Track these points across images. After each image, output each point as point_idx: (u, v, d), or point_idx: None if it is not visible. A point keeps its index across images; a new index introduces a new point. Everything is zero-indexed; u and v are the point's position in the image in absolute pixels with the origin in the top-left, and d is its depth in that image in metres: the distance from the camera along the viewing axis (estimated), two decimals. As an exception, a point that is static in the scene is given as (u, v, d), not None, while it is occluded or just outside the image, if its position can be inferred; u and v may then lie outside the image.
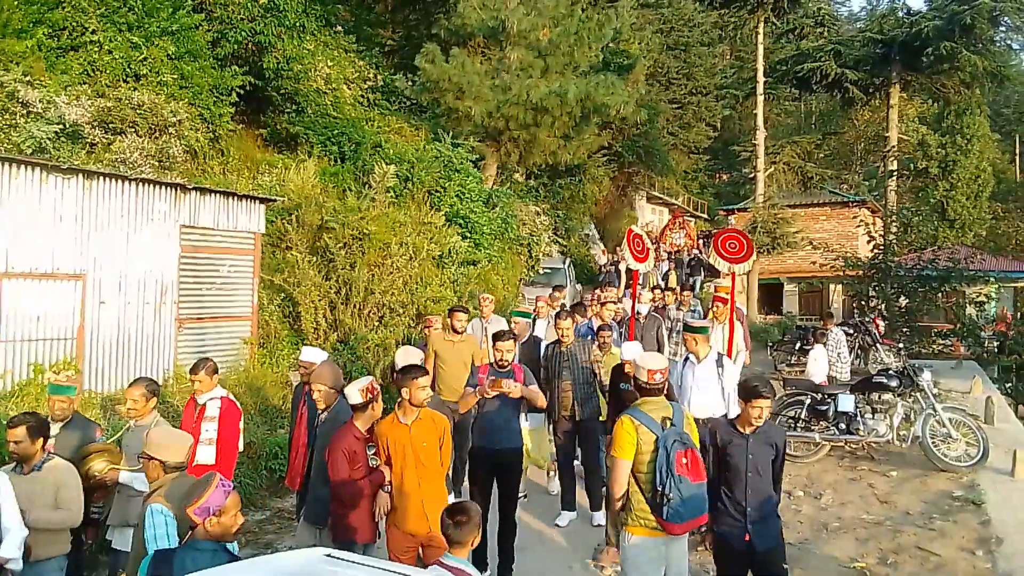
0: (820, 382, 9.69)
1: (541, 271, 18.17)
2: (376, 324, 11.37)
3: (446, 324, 7.67)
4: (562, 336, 6.95)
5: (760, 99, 27.12)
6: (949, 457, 8.37)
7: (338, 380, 4.99)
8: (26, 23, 11.37)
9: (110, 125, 11.19)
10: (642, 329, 9.32)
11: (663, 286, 15.37)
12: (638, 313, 9.51)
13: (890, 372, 9.27)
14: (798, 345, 14.62)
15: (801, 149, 33.42)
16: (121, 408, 7.74)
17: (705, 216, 36.83)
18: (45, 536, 4.12)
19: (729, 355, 7.82)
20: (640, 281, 12.23)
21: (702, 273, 19.60)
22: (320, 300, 11.16)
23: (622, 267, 19.28)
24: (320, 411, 4.96)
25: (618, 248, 22.92)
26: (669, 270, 18.85)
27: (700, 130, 36.57)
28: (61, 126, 10.52)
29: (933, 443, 8.42)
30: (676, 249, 20.75)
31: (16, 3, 11.30)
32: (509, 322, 7.89)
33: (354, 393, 4.50)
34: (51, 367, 7.83)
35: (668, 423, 4.20)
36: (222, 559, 3.01)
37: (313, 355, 5.79)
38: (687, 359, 6.42)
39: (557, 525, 6.92)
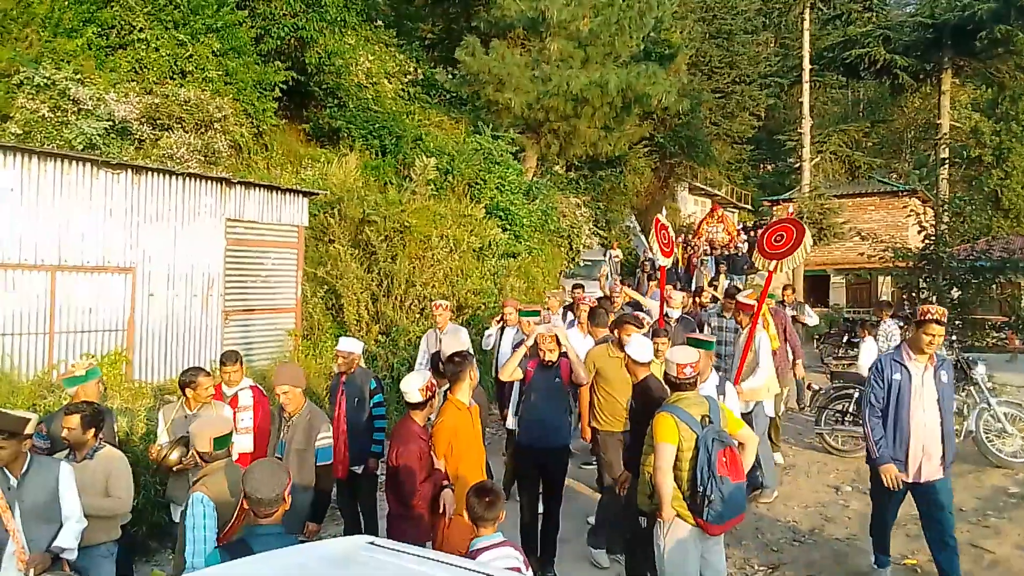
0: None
1: (581, 263, 18.10)
2: (417, 316, 11.44)
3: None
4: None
5: (806, 87, 26.59)
6: (1004, 452, 8.12)
7: (300, 380, 4.89)
8: (76, 22, 11.66)
9: (157, 121, 11.42)
10: (671, 337, 7.99)
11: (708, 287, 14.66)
12: (667, 316, 8.46)
13: (943, 365, 9.00)
14: (845, 338, 14.32)
15: (848, 138, 32.74)
16: (169, 397, 7.92)
17: (749, 207, 36.27)
18: (95, 523, 4.21)
19: (737, 378, 6.97)
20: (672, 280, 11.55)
21: (743, 273, 18.88)
22: (362, 292, 11.26)
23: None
24: (288, 416, 4.82)
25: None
26: (720, 271, 18.11)
27: (744, 119, 35.94)
28: (110, 123, 10.77)
29: (987, 438, 8.18)
30: (714, 245, 20.32)
31: (67, 3, 11.61)
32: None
33: (414, 392, 4.41)
34: (80, 359, 7.93)
35: (707, 420, 4.08)
36: (290, 541, 3.08)
37: (350, 345, 5.85)
38: None
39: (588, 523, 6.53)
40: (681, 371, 4.18)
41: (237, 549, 2.94)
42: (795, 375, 9.19)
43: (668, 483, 4.06)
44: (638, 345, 5.15)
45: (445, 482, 4.41)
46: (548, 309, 8.92)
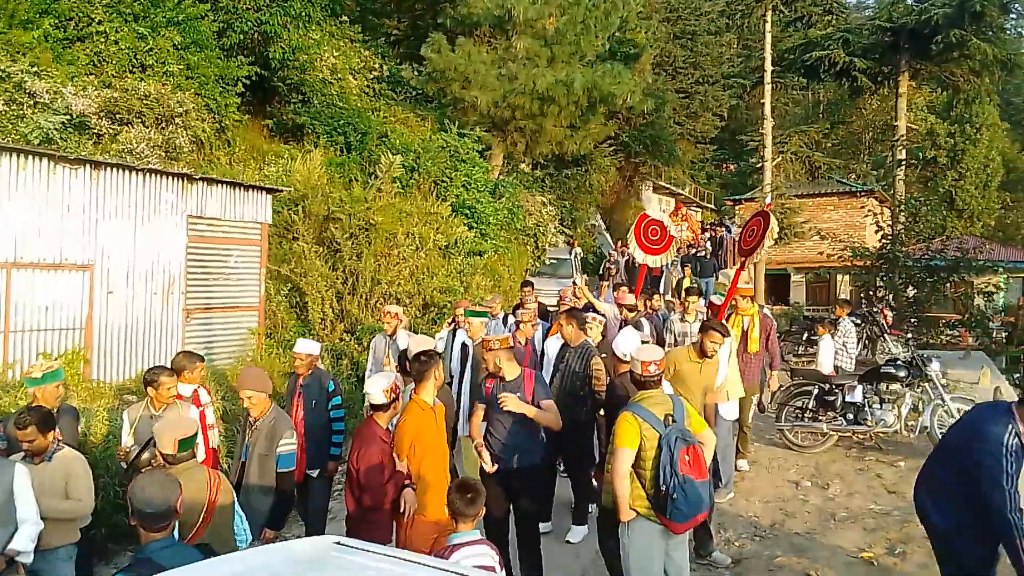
0: (829, 372, 9.65)
1: (548, 261, 18.15)
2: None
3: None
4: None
5: (768, 88, 26.94)
6: (957, 447, 8.33)
7: (265, 384, 4.86)
8: (32, 13, 11.36)
9: (117, 116, 11.19)
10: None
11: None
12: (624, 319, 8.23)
13: (898, 362, 9.24)
14: (805, 336, 14.59)
15: (809, 138, 33.29)
16: (129, 397, 7.79)
17: (712, 206, 36.69)
18: (54, 525, 4.13)
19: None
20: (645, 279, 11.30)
21: (714, 273, 18.45)
22: (327, 290, 11.19)
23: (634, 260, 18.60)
24: (252, 420, 4.81)
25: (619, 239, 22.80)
26: (684, 273, 17.17)
27: (707, 120, 36.36)
28: (68, 117, 10.52)
29: (941, 433, 8.38)
30: (679, 245, 20.24)
31: (22, -7, 11.30)
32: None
33: (378, 393, 4.41)
34: (37, 359, 7.71)
35: (670, 420, 4.09)
36: (190, 550, 2.99)
37: (308, 347, 5.78)
38: None
39: (568, 542, 6.31)
40: (646, 368, 4.23)
41: (145, 567, 2.80)
42: (769, 385, 8.73)
43: (624, 487, 4.09)
44: (625, 340, 5.27)
45: (407, 482, 4.40)
46: (491, 314, 8.21)
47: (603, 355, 6.38)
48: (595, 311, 7.95)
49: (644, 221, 7.99)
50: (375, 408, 4.46)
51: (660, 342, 8.12)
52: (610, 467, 4.22)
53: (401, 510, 4.33)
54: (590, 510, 6.35)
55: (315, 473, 5.62)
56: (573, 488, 6.58)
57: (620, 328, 8.09)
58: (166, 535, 2.99)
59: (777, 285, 27.21)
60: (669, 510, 3.96)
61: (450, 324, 7.94)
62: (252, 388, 4.77)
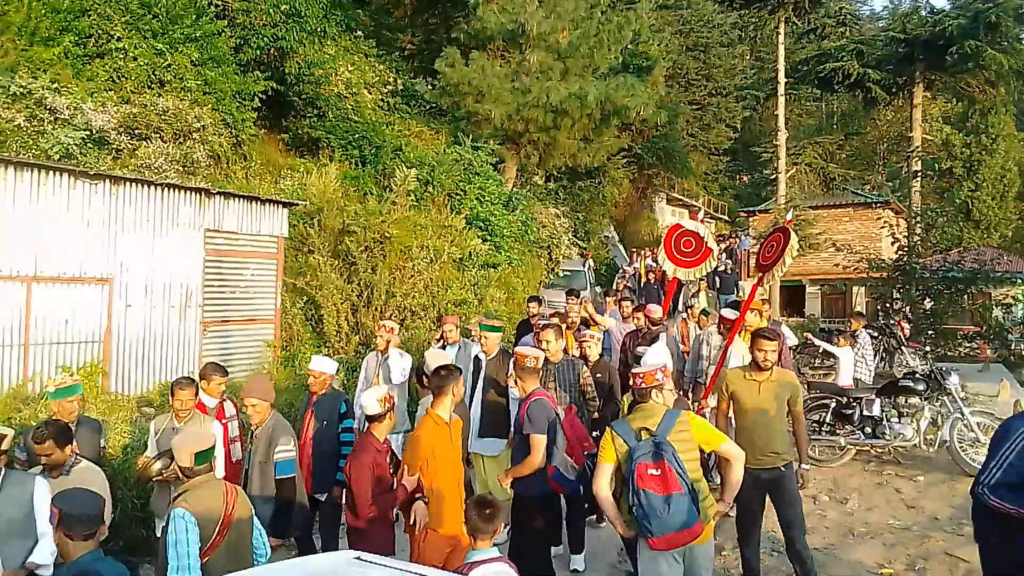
0: (847, 385, 9.54)
1: (561, 274, 18.14)
2: (398, 327, 11.41)
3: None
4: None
5: (781, 100, 26.88)
6: (978, 461, 8.21)
7: (269, 394, 4.90)
8: (53, 31, 11.55)
9: (135, 131, 11.33)
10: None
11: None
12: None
13: (917, 375, 9.15)
14: (821, 348, 14.44)
15: (823, 150, 33.11)
16: (147, 409, 7.84)
17: (726, 218, 36.60)
18: (73, 539, 4.16)
19: (707, 392, 6.73)
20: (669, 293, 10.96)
21: (735, 289, 17.74)
22: (342, 303, 11.23)
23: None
24: (253, 428, 4.85)
25: (641, 251, 22.67)
26: (700, 287, 16.82)
27: (720, 131, 36.37)
28: (88, 132, 10.67)
29: (961, 447, 8.30)
30: (715, 261, 19.59)
31: (43, 11, 11.49)
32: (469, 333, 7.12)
33: (373, 404, 4.44)
34: (57, 371, 7.78)
35: (645, 433, 4.01)
36: (114, 563, 2.99)
37: (323, 365, 5.64)
38: None
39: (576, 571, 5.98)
40: (634, 380, 4.23)
41: None
42: None
43: (605, 501, 4.08)
44: (653, 354, 5.13)
45: (418, 495, 4.39)
46: (472, 338, 7.80)
47: (597, 375, 6.33)
48: (590, 327, 7.86)
49: (677, 232, 7.56)
50: (370, 420, 4.49)
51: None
52: None
53: (412, 522, 4.34)
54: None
55: (323, 497, 5.50)
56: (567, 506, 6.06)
57: (628, 343, 8.11)
58: (94, 547, 2.96)
59: (792, 297, 27.04)
60: (638, 523, 3.91)
61: (438, 340, 7.58)
62: (258, 397, 4.79)
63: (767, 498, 5.16)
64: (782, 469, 5.08)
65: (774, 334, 5.10)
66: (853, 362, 10.34)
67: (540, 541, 5.13)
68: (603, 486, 4.06)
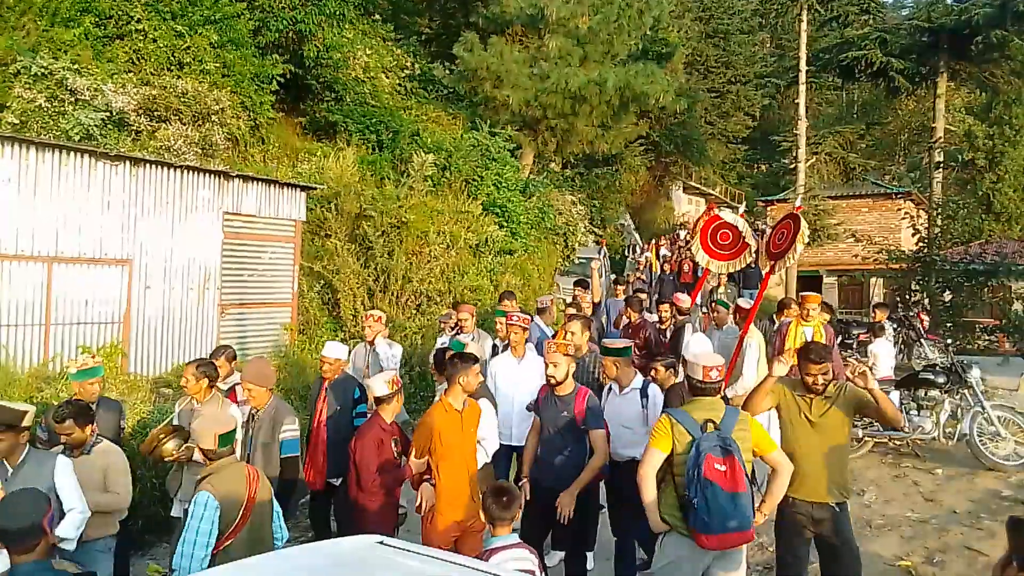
0: (885, 377, 9.36)
1: (576, 261, 18.09)
2: (414, 312, 11.43)
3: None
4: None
5: (802, 88, 26.58)
6: (997, 456, 8.16)
7: (267, 379, 4.89)
8: (74, 12, 11.58)
9: (155, 113, 11.36)
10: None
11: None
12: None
13: (937, 368, 9.04)
14: (839, 339, 14.32)
15: (843, 139, 32.84)
16: (165, 390, 7.90)
17: (743, 207, 36.33)
18: (93, 518, 4.18)
19: (726, 381, 5.82)
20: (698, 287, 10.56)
21: (759, 283, 17.45)
22: (359, 287, 11.25)
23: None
24: (253, 412, 4.86)
25: (658, 239, 22.49)
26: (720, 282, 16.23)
27: (739, 119, 36.08)
28: (108, 113, 10.71)
29: (981, 441, 8.22)
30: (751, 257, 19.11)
31: (64, -8, 11.51)
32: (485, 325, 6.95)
33: (380, 385, 4.55)
34: (78, 354, 7.82)
35: (711, 426, 3.83)
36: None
37: (336, 351, 5.61)
38: (609, 388, 5.34)
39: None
40: (707, 374, 3.96)
41: None
42: None
43: (649, 489, 3.89)
44: (697, 343, 5.01)
45: (426, 477, 4.47)
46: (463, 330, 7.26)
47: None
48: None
49: (715, 223, 7.23)
50: (378, 401, 4.59)
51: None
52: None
53: (417, 503, 4.44)
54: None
55: (338, 481, 5.46)
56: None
57: (651, 336, 8.03)
58: (38, 556, 2.76)
59: (809, 287, 26.78)
60: (692, 517, 3.73)
61: (452, 328, 7.26)
62: (252, 381, 4.80)
63: (812, 541, 4.40)
64: (835, 507, 4.27)
65: (821, 356, 4.24)
66: (893, 354, 10.17)
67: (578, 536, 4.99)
68: (650, 472, 3.86)
